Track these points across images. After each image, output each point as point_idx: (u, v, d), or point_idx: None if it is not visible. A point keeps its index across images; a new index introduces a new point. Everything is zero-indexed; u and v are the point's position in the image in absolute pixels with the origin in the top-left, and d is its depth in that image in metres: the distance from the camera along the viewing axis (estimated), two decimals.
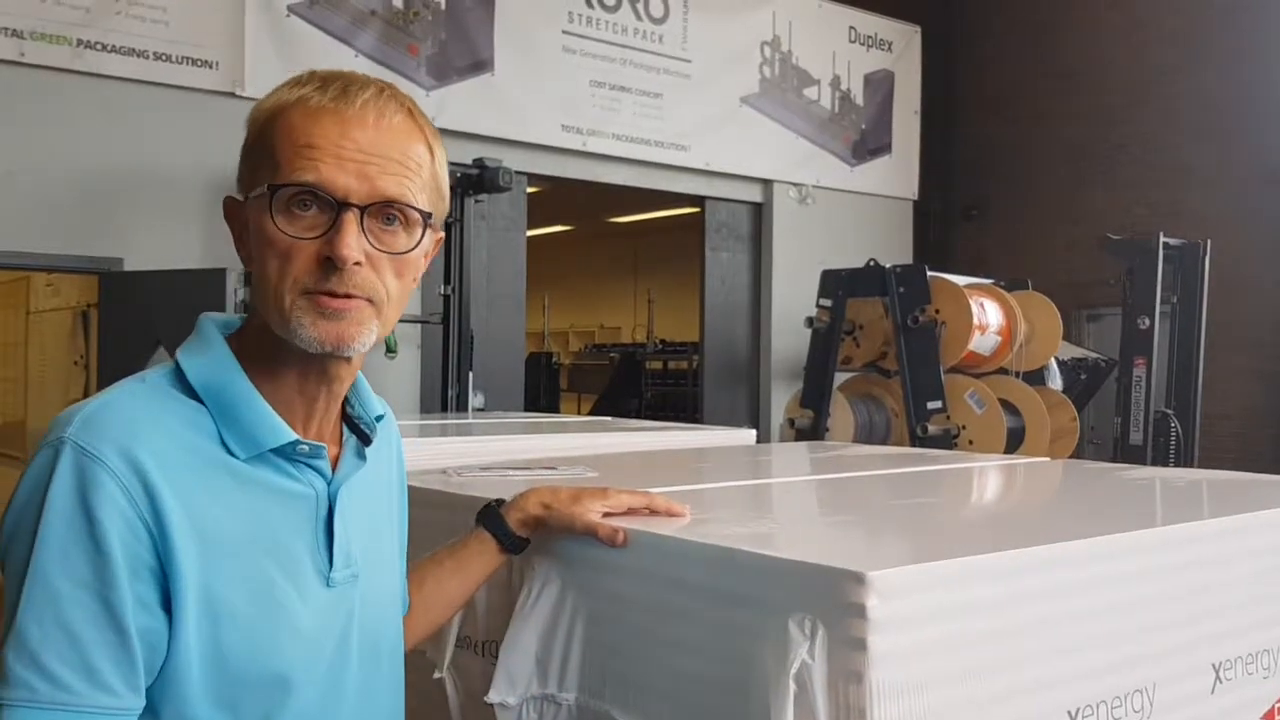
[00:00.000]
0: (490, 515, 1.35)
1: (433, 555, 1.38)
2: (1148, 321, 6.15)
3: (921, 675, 1.03)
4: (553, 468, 1.91)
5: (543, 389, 11.73)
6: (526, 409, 7.93)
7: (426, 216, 1.08)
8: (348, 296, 1.03)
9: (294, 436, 1.06)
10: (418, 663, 1.51)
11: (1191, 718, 1.29)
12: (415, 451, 2.33)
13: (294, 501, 1.07)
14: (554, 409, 11.69)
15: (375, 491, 1.21)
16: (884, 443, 5.79)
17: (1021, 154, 9.25)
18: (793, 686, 1.03)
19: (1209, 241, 6.60)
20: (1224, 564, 1.38)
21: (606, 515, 1.30)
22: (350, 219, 1.02)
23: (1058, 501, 1.76)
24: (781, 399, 7.79)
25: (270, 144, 1.04)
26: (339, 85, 1.06)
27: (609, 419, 3.81)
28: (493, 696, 1.36)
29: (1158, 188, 8.30)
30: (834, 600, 1.03)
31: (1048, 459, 2.34)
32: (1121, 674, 1.23)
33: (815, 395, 5.90)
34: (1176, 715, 1.27)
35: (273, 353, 1.07)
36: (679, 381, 11.91)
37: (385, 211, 1.05)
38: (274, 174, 1.03)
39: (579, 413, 12.64)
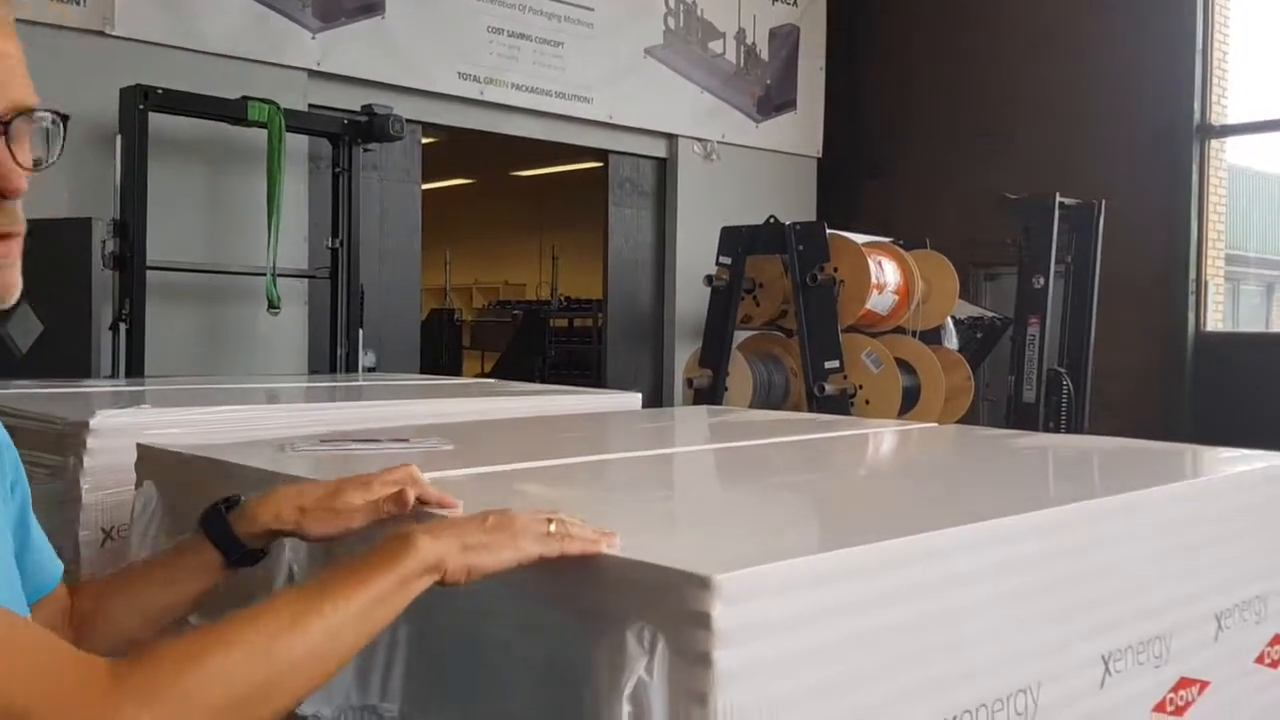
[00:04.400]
0: (215, 520, 1.11)
1: (143, 561, 1.18)
2: (1042, 280, 6.18)
3: (777, 693, 0.90)
4: (404, 439, 1.73)
5: (444, 347, 11.44)
6: (427, 368, 7.68)
7: (65, 119, 0.91)
8: (7, 236, 0.84)
9: None
10: None
11: (1080, 716, 1.19)
12: (266, 420, 2.13)
13: None
14: (456, 367, 11.41)
15: None
16: (782, 402, 5.72)
17: (924, 113, 9.23)
18: (627, 708, 0.88)
19: (1104, 201, 6.66)
20: (1113, 546, 1.28)
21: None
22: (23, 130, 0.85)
23: (939, 481, 1.65)
24: (685, 358, 7.69)
25: None
26: None
27: (493, 382, 3.62)
28: (305, 708, 1.19)
29: (1055, 148, 8.36)
30: (674, 607, 0.89)
31: (937, 425, 2.24)
32: (1002, 673, 1.11)
33: (714, 355, 5.79)
34: (1063, 714, 1.17)
35: None
36: (584, 339, 11.72)
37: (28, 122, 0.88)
38: None
39: (482, 371, 12.39)
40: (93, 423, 1.89)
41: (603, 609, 0.94)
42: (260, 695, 0.83)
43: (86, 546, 1.90)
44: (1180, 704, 1.33)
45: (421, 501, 1.13)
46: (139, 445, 1.69)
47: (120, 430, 1.90)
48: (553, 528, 0.97)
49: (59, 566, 1.12)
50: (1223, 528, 1.46)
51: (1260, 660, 1.49)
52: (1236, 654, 1.45)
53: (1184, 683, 1.35)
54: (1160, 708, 1.31)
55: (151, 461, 1.66)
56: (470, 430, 1.92)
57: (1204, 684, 1.38)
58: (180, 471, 1.61)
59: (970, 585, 1.08)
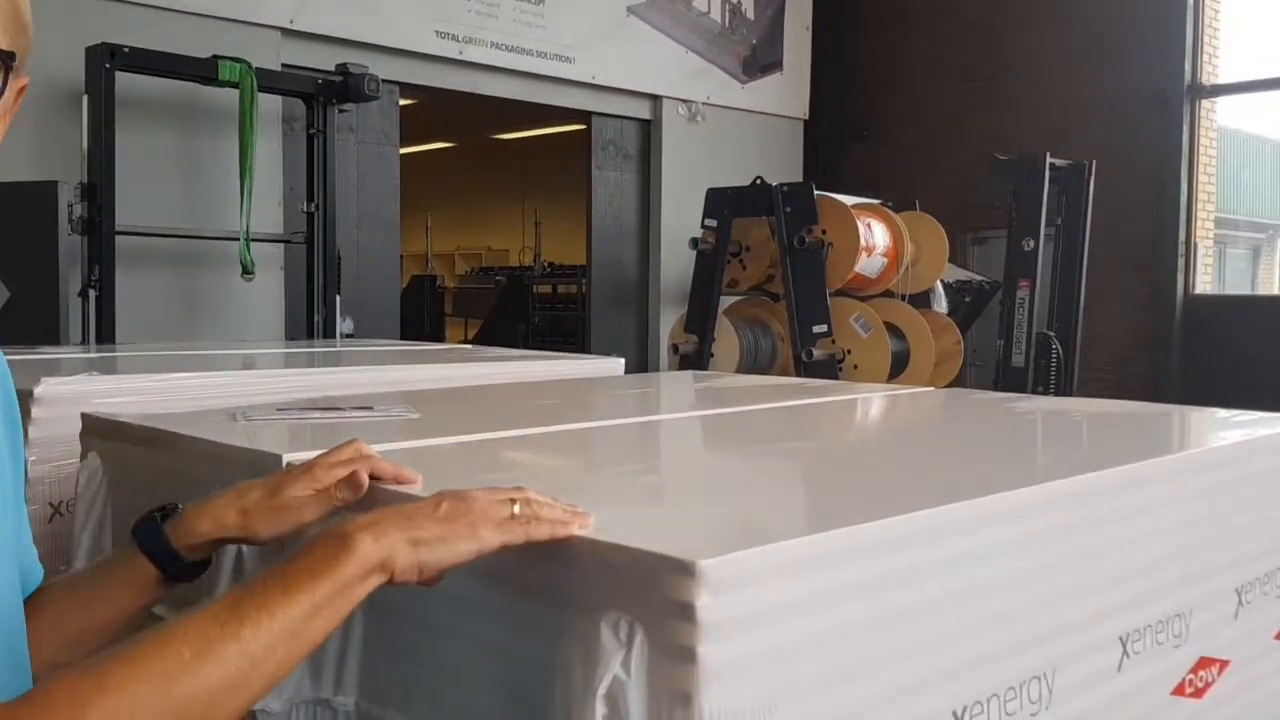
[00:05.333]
0: (149, 531, 0.97)
1: (68, 576, 1.04)
2: (1032, 243, 6.09)
3: (770, 691, 0.79)
4: (368, 407, 1.62)
5: (427, 314, 11.29)
6: (409, 335, 7.55)
7: (7, 58, 0.78)
8: None
9: None
10: None
11: (1097, 702, 1.09)
12: (224, 387, 2.01)
13: None
14: (438, 334, 11.28)
15: None
16: (769, 368, 5.62)
17: (912, 75, 9.08)
18: (601, 710, 0.78)
19: (1094, 163, 6.55)
20: (1128, 519, 1.18)
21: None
22: None
23: (939, 451, 1.54)
24: (671, 324, 7.58)
25: None
26: None
27: (472, 348, 3.51)
28: None
29: (1045, 110, 8.24)
30: (654, 597, 0.78)
31: (931, 389, 2.14)
32: (1015, 660, 1.01)
33: (700, 320, 5.68)
34: (1080, 701, 1.07)
35: None
36: (568, 306, 11.59)
37: None
38: None
39: (465, 338, 12.25)
40: (38, 391, 1.78)
41: (574, 597, 0.84)
42: None
43: (34, 523, 1.78)
44: (1200, 685, 1.25)
45: (375, 478, 1.02)
46: (83, 415, 1.57)
47: (68, 399, 1.78)
48: (517, 509, 0.86)
49: (41, 571, 1.01)
50: (1242, 495, 1.37)
51: None
52: (1257, 631, 1.36)
53: (1204, 662, 1.26)
54: (1179, 690, 1.22)
55: (97, 432, 1.55)
56: (440, 398, 1.81)
57: (1224, 663, 1.29)
58: (126, 442, 1.50)
59: (979, 565, 0.98)
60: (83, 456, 1.55)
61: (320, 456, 1.01)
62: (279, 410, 1.56)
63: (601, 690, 0.78)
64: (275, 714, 1.09)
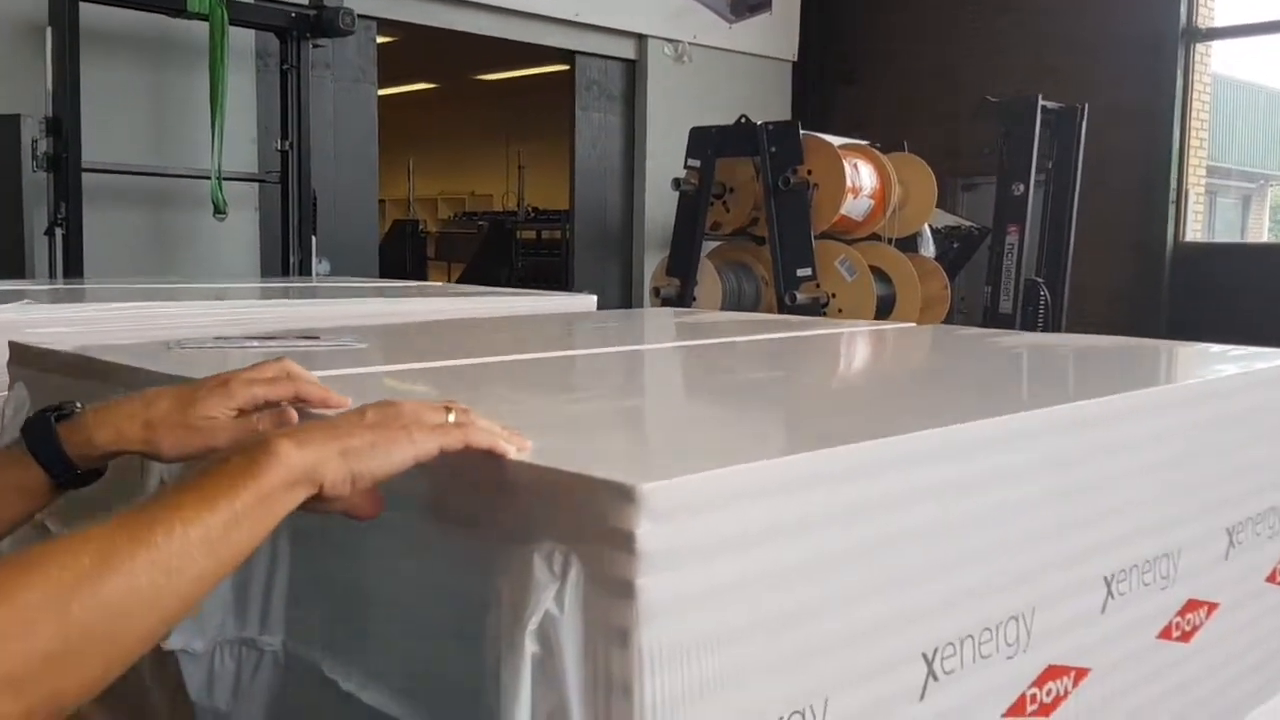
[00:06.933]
0: (40, 432, 0.88)
1: None
2: (1022, 187, 5.98)
3: (714, 629, 0.72)
4: (314, 337, 1.53)
5: (409, 258, 11.15)
6: (389, 278, 7.43)
7: None
8: None
9: None
10: None
11: (1079, 645, 1.02)
12: (168, 318, 1.92)
13: None
14: (421, 278, 11.14)
15: None
16: (753, 311, 5.53)
17: (903, 17, 8.90)
18: (530, 648, 0.70)
19: (1086, 105, 6.43)
20: (1114, 453, 1.10)
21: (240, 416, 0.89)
22: None
23: (915, 381, 1.46)
24: (655, 268, 7.48)
25: None
26: None
27: (442, 285, 3.41)
28: (174, 641, 1.01)
29: (1038, 53, 8.09)
30: (590, 525, 0.70)
31: (914, 325, 2.06)
32: (991, 600, 0.94)
33: (682, 263, 5.57)
34: (1061, 644, 1.01)
35: None
36: (552, 251, 11.45)
37: None
38: None
39: (448, 282, 12.12)
40: None
41: (507, 529, 0.75)
42: (60, 662, 0.61)
43: None
44: (1187, 628, 1.18)
45: (301, 401, 0.92)
46: (10, 343, 1.48)
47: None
48: (451, 417, 0.78)
49: None
50: (1236, 431, 1.29)
51: (1272, 579, 1.34)
52: (1248, 573, 1.29)
53: (1192, 605, 1.19)
54: (1166, 633, 1.15)
55: (24, 361, 1.46)
56: (393, 330, 1.72)
57: (1213, 606, 1.22)
58: (55, 373, 1.41)
59: (951, 497, 0.90)
60: (10, 386, 1.46)
61: (240, 371, 0.91)
62: (217, 339, 1.47)
63: (532, 626, 0.70)
64: (198, 654, 1.02)
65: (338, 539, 0.93)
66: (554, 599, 0.70)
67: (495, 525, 0.77)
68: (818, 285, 5.15)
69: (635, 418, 1.07)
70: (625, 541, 0.68)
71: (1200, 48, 7.90)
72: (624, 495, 0.68)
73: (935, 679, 0.88)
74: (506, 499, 0.76)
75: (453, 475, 0.79)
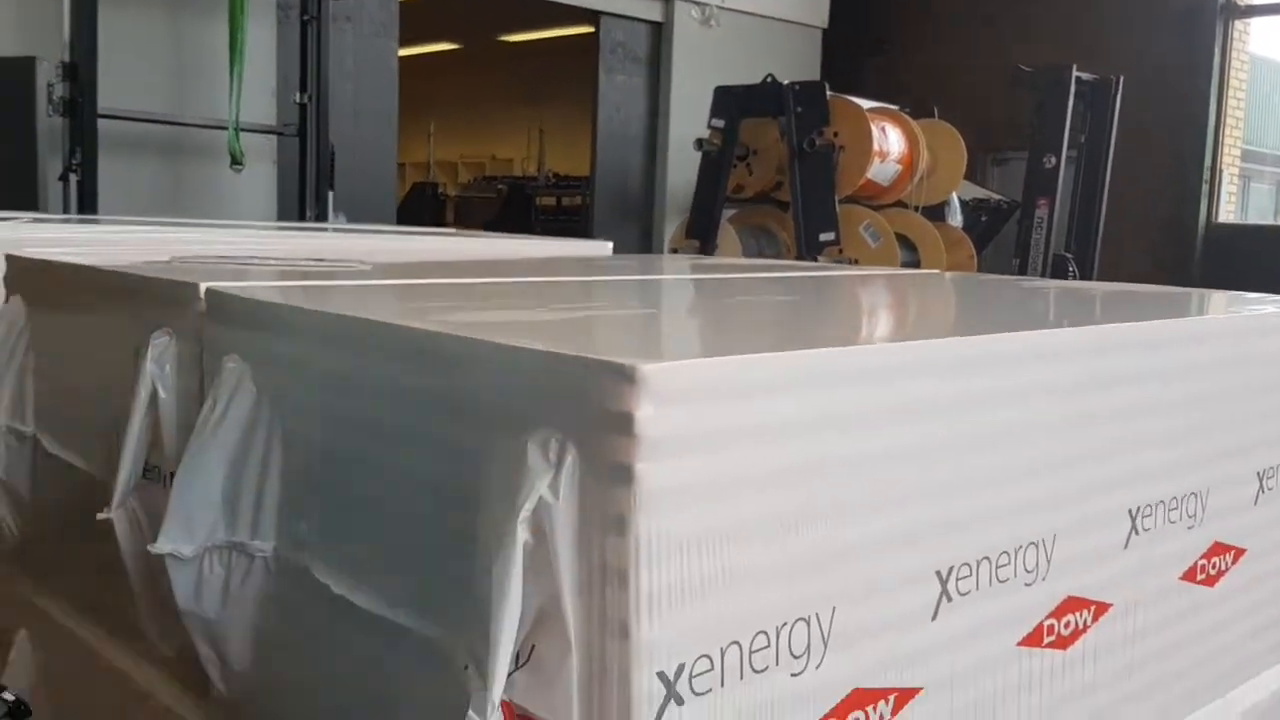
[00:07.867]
0: None
1: None
2: (1054, 160, 5.87)
3: (715, 523, 0.67)
4: (320, 260, 1.49)
5: (427, 220, 11.11)
6: None
7: None
8: None
9: None
10: (88, 502, 1.11)
11: (1100, 579, 0.98)
12: (169, 243, 1.88)
13: None
14: None
15: None
16: None
17: None
18: (523, 535, 0.66)
19: (1121, 78, 6.30)
20: (1146, 382, 1.05)
21: None
22: None
23: (940, 303, 1.41)
24: None
25: None
26: None
27: (456, 230, 3.37)
28: (161, 545, 0.98)
29: (1072, 25, 7.94)
30: (588, 408, 0.66)
31: (938, 272, 2.00)
32: (1009, 521, 0.90)
33: (703, 224, 5.50)
34: (1082, 575, 0.96)
35: None
36: (572, 218, 11.38)
37: None
38: None
39: None
40: None
41: (501, 414, 0.71)
42: None
43: None
44: (1213, 572, 1.13)
45: None
46: (7, 255, 1.45)
47: None
48: None
49: None
50: (1272, 372, 1.24)
51: None
52: (1277, 521, 1.24)
53: (1218, 548, 1.14)
54: (1190, 575, 1.11)
55: (20, 274, 1.44)
56: (403, 263, 1.68)
57: (1240, 551, 1.17)
58: (51, 285, 1.38)
59: (972, 410, 0.85)
60: (6, 299, 1.44)
61: None
62: (220, 258, 1.43)
63: (524, 515, 0.66)
64: (187, 559, 0.99)
65: (329, 435, 0.89)
66: (548, 485, 0.66)
67: (490, 414, 0.73)
68: (840, 250, 5.08)
69: (640, 322, 1.03)
70: (625, 424, 0.64)
71: (1239, 24, 7.73)
72: (624, 376, 0.64)
73: (949, 599, 0.84)
74: (502, 384, 0.72)
75: (442, 359, 0.75)
